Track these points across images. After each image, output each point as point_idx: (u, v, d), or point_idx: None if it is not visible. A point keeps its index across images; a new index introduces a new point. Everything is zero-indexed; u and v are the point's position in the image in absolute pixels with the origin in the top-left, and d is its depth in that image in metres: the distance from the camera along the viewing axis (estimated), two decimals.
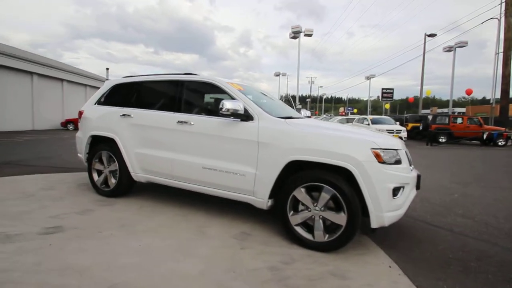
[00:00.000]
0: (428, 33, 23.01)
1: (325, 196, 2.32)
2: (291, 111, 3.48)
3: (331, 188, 2.28)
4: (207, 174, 2.83)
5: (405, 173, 2.36)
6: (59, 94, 22.06)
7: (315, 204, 2.38)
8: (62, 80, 21.95)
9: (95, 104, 3.81)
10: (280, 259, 2.21)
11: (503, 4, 15.45)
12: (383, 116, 17.60)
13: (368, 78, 34.80)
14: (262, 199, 2.60)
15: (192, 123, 2.92)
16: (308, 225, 2.45)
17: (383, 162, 2.23)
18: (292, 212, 2.47)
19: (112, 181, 3.52)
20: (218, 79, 3.02)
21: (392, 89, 34.36)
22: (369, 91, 37.38)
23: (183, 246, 2.35)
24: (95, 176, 3.68)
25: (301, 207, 2.47)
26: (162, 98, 3.34)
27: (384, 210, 2.20)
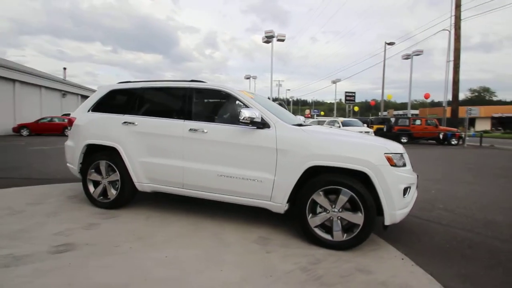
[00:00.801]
0: (388, 42, 25.01)
1: (343, 198, 2.49)
2: (298, 118, 3.64)
3: (348, 190, 2.46)
4: (222, 181, 2.85)
5: (410, 174, 2.63)
6: (10, 96, 19.90)
7: (333, 206, 2.54)
8: (14, 80, 19.84)
9: (88, 111, 3.60)
10: (306, 260, 2.32)
11: (453, 18, 17.38)
12: (352, 119, 18.69)
13: (334, 82, 36.74)
14: (280, 204, 2.70)
15: (205, 130, 2.92)
16: (325, 226, 2.60)
17: (394, 165, 2.47)
18: (310, 214, 2.60)
19: (112, 192, 3.35)
20: (230, 87, 3.06)
21: (354, 92, 36.58)
22: (335, 95, 39.56)
23: (210, 254, 2.36)
24: (91, 187, 3.47)
25: (319, 209, 2.61)
26: (170, 105, 3.29)
27: (396, 208, 2.44)
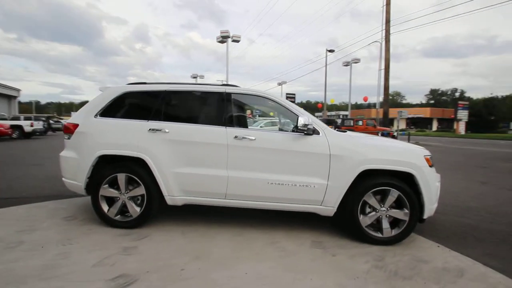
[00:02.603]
0: (329, 49, 27.46)
1: (391, 198, 2.75)
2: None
3: (396, 190, 2.73)
4: (273, 189, 2.81)
5: (437, 174, 3.05)
6: None
7: (381, 206, 2.78)
8: None
9: (95, 115, 3.07)
10: (372, 258, 2.50)
11: (384, 31, 20.07)
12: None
13: (280, 84, 38.55)
14: (331, 207, 2.82)
15: (252, 138, 2.83)
16: (373, 225, 2.83)
17: (431, 166, 2.84)
18: (361, 215, 2.79)
19: (136, 209, 2.95)
20: (272, 94, 3.03)
21: (295, 94, 39.06)
22: (281, 96, 41.57)
23: (284, 265, 2.33)
24: (104, 205, 2.98)
25: (368, 209, 2.82)
26: (205, 111, 3.06)
27: (433, 203, 2.81)
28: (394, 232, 2.78)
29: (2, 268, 2.12)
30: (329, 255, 2.53)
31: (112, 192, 2.97)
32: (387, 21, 20.39)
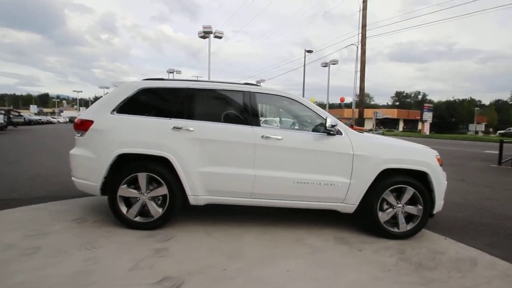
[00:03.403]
0: (307, 50, 28.09)
1: (407, 195, 2.95)
2: None
3: (412, 188, 2.94)
4: (299, 187, 2.88)
5: (443, 172, 3.31)
6: None
7: (398, 202, 2.97)
8: None
9: (112, 112, 2.92)
10: (395, 252, 2.67)
11: (360, 35, 20.99)
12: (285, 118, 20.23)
13: (258, 82, 38.70)
14: (352, 204, 2.95)
15: (279, 137, 2.87)
16: (389, 221, 3.01)
17: (441, 165, 3.08)
18: (380, 212, 2.96)
19: (158, 209, 2.85)
20: (294, 94, 3.09)
21: None
22: None
23: (317, 261, 2.42)
24: (122, 206, 2.85)
25: (385, 206, 2.99)
26: (229, 110, 3.03)
27: (441, 199, 3.06)
28: (409, 227, 2.99)
29: (31, 277, 1.96)
30: (355, 250, 2.66)
31: (132, 192, 2.85)
32: (363, 26, 21.37)
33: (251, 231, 2.99)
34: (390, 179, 2.93)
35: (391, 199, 2.95)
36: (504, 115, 62.94)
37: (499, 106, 70.58)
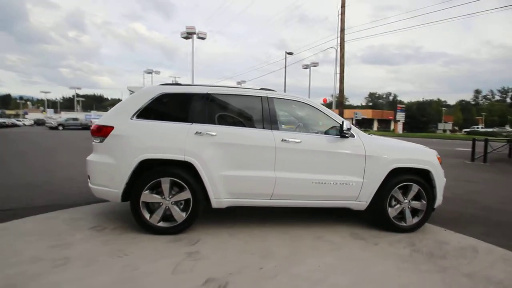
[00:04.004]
0: (288, 52, 28.67)
1: (413, 192, 3.22)
2: None
3: (417, 185, 3.21)
4: (317, 188, 3.05)
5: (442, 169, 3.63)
6: None
7: (404, 199, 3.23)
8: None
9: (132, 117, 2.91)
10: (406, 244, 2.92)
11: (339, 39, 21.84)
12: None
13: (239, 83, 38.81)
14: (365, 202, 3.18)
15: (298, 140, 3.02)
16: (396, 216, 3.27)
17: (441, 164, 3.39)
18: (389, 208, 3.21)
19: (181, 214, 2.89)
20: (308, 99, 3.27)
21: None
22: None
23: (341, 255, 2.60)
24: (144, 212, 2.85)
25: (393, 202, 3.25)
26: (249, 115, 3.13)
27: (441, 195, 3.37)
28: (415, 220, 3.26)
29: (78, 287, 1.94)
30: (371, 244, 2.87)
31: (155, 198, 2.86)
32: (342, 30, 22.20)
33: (272, 231, 3.11)
34: (398, 178, 3.19)
35: (399, 195, 3.21)
36: (468, 114, 68.08)
37: (463, 106, 76.23)
